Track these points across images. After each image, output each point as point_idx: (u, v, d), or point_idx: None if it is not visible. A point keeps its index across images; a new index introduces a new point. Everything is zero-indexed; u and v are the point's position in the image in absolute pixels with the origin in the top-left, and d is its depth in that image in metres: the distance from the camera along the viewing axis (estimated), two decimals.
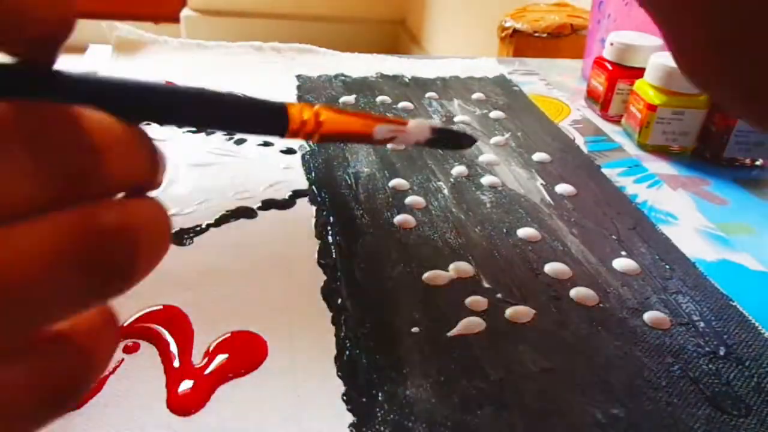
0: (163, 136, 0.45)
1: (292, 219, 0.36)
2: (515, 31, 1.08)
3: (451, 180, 0.42)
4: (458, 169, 0.43)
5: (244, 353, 0.26)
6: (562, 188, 0.42)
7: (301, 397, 0.25)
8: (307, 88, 0.56)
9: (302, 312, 0.29)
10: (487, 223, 0.37)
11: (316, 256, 0.33)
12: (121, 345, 0.26)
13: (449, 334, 0.28)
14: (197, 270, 0.31)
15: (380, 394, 0.25)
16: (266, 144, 0.45)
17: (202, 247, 0.33)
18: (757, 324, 0.30)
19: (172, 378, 0.25)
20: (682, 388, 0.26)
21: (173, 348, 0.26)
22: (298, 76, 0.58)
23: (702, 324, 0.30)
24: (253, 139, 0.46)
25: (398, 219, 0.37)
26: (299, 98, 0.54)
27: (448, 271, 0.32)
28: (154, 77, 0.55)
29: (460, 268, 0.33)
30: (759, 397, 0.26)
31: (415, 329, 0.28)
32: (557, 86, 0.63)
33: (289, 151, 0.44)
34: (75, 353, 0.13)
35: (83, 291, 0.12)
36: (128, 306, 0.28)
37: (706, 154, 0.48)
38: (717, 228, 0.39)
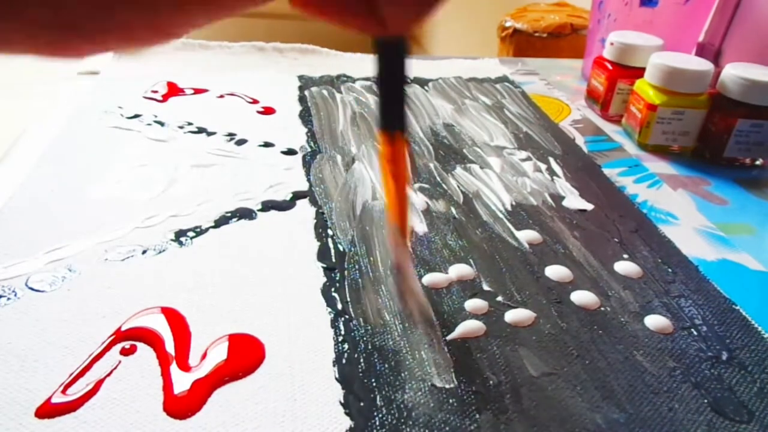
0: (164, 136, 0.45)
1: (292, 220, 0.36)
2: (515, 31, 1.07)
3: (453, 181, 0.42)
4: (459, 171, 0.43)
5: (242, 356, 0.26)
6: (564, 190, 0.42)
7: (298, 401, 0.24)
8: (308, 88, 0.56)
9: (301, 315, 0.29)
10: (487, 225, 0.37)
11: (315, 258, 0.33)
12: (118, 347, 0.26)
13: (448, 337, 0.28)
14: (196, 271, 0.31)
15: (378, 399, 0.25)
16: (267, 145, 0.45)
17: (202, 249, 0.33)
18: (760, 328, 0.30)
19: (169, 380, 0.25)
20: (683, 393, 0.26)
21: (170, 350, 0.26)
22: (300, 77, 0.58)
23: (704, 328, 0.30)
24: (254, 140, 0.45)
25: None
26: (300, 99, 0.53)
27: (448, 273, 0.32)
28: (155, 77, 0.55)
29: (460, 270, 0.32)
30: (761, 402, 0.26)
31: (414, 332, 0.28)
32: (557, 86, 0.63)
33: (290, 152, 0.44)
34: None
35: None
36: (126, 307, 0.28)
37: (706, 154, 0.48)
38: (717, 228, 0.39)
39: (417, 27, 0.19)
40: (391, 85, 0.23)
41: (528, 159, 0.46)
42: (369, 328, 0.28)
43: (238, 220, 0.36)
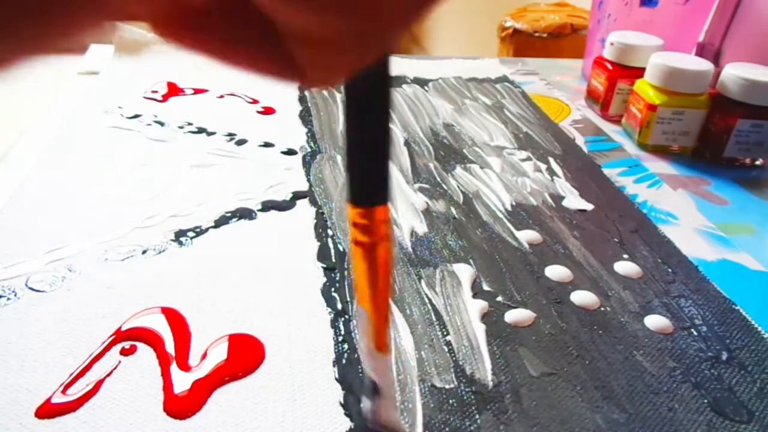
0: (164, 137, 0.45)
1: (292, 220, 0.36)
2: (515, 31, 1.07)
3: (453, 181, 0.42)
4: (459, 171, 0.43)
5: (242, 356, 0.26)
6: (564, 190, 0.42)
7: (298, 401, 0.24)
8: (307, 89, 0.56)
9: (301, 315, 0.29)
10: (488, 225, 0.37)
11: (315, 258, 0.33)
12: (118, 347, 0.26)
13: (448, 337, 0.28)
14: (196, 272, 0.31)
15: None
16: (267, 145, 0.45)
17: (202, 249, 0.33)
18: (759, 328, 0.30)
19: (169, 380, 0.25)
20: (683, 393, 0.26)
21: (170, 350, 0.26)
22: None
23: (704, 328, 0.30)
24: (254, 140, 0.45)
25: (400, 221, 0.36)
26: (300, 99, 0.53)
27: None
28: (155, 77, 0.55)
29: (460, 270, 0.32)
30: (761, 402, 0.26)
31: (414, 332, 0.28)
32: (557, 86, 0.63)
33: (290, 152, 0.44)
34: None
35: None
36: (126, 307, 0.28)
37: (706, 154, 0.48)
38: (717, 228, 0.39)
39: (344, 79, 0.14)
40: (369, 138, 0.17)
41: (528, 159, 0.46)
42: None
43: (238, 220, 0.36)
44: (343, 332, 0.28)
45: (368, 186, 0.18)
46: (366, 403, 0.22)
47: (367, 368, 0.21)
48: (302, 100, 0.53)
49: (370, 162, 0.17)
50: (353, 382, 0.25)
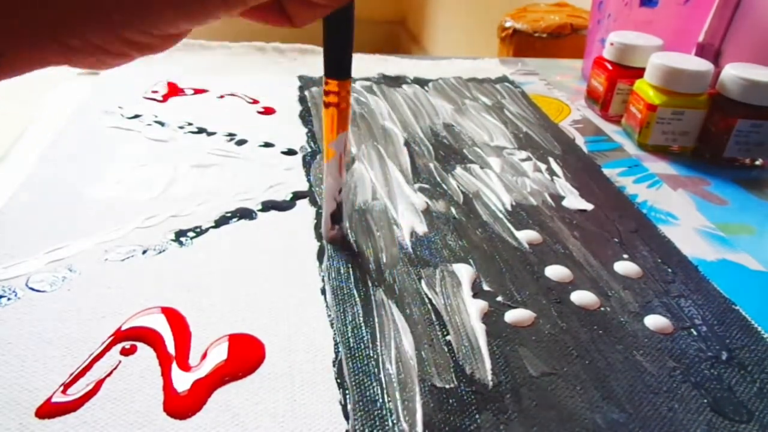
0: (164, 137, 0.45)
1: (292, 220, 0.36)
2: (515, 31, 1.07)
3: (453, 181, 0.42)
4: (459, 171, 0.43)
5: (242, 356, 0.26)
6: (564, 190, 0.42)
7: (298, 401, 0.24)
8: (308, 88, 0.56)
9: (301, 315, 0.29)
10: (488, 225, 0.37)
11: (315, 258, 0.33)
12: (118, 347, 0.26)
13: (448, 337, 0.28)
14: (196, 272, 0.31)
15: (378, 400, 0.25)
16: (267, 145, 0.45)
17: (202, 249, 0.33)
18: (759, 329, 0.30)
19: (169, 380, 0.25)
20: (683, 393, 0.26)
21: (170, 350, 0.26)
22: (300, 77, 0.58)
23: (704, 328, 0.30)
24: (254, 140, 0.45)
25: (400, 221, 0.36)
26: (300, 99, 0.53)
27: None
28: (155, 77, 0.55)
29: (460, 270, 0.32)
30: (761, 402, 0.26)
31: (414, 332, 0.28)
32: (557, 86, 0.63)
33: (290, 152, 0.44)
34: None
35: None
36: (126, 307, 0.28)
37: (706, 154, 0.48)
38: (717, 228, 0.39)
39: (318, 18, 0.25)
40: (340, 35, 0.28)
41: (528, 159, 0.46)
42: (367, 330, 0.28)
43: (238, 220, 0.36)
44: (342, 332, 0.28)
45: (340, 66, 0.29)
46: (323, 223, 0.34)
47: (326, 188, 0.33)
48: (302, 100, 0.53)
49: (341, 51, 0.29)
50: (352, 382, 0.25)
